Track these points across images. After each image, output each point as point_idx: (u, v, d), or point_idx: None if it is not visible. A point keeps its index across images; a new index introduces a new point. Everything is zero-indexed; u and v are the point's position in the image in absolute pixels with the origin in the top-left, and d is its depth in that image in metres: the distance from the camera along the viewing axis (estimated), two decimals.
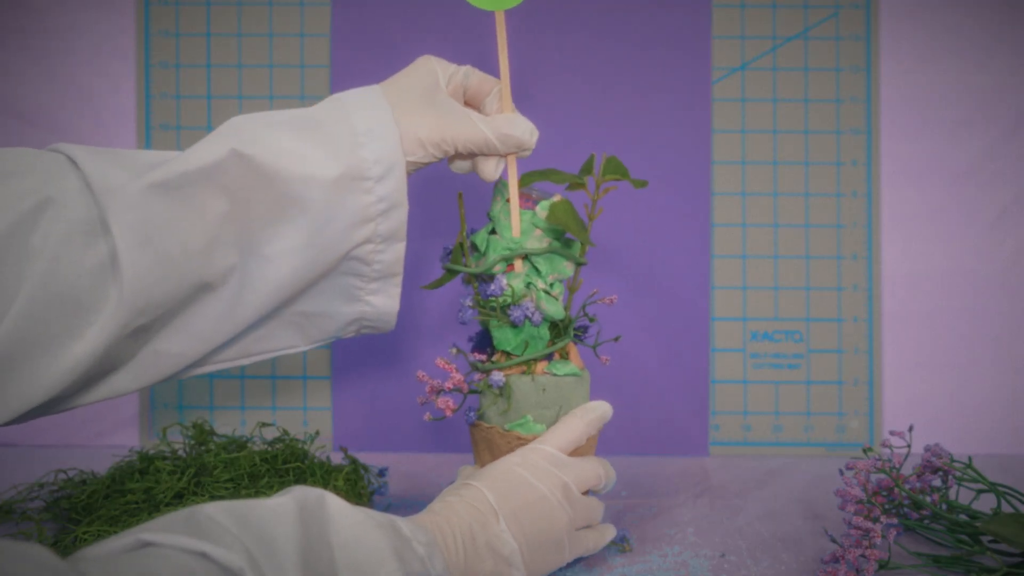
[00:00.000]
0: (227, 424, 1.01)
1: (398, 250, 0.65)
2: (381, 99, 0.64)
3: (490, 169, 0.68)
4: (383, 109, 0.63)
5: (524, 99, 0.69)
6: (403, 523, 0.54)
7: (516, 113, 0.67)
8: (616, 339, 0.73)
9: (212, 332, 0.61)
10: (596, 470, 0.66)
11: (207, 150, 0.59)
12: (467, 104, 0.68)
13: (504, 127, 0.65)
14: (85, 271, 0.56)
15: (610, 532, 0.68)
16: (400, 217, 0.63)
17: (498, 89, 0.67)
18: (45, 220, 0.55)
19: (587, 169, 0.70)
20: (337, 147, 0.61)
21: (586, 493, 0.66)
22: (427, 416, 0.69)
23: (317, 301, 0.65)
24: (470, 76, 0.67)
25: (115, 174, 0.57)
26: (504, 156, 0.68)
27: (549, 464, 0.64)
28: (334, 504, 0.51)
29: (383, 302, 0.66)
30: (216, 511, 0.45)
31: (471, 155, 0.67)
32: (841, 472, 0.69)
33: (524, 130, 0.66)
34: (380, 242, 0.64)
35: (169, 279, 0.57)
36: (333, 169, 0.61)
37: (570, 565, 0.65)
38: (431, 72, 0.66)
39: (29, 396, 0.56)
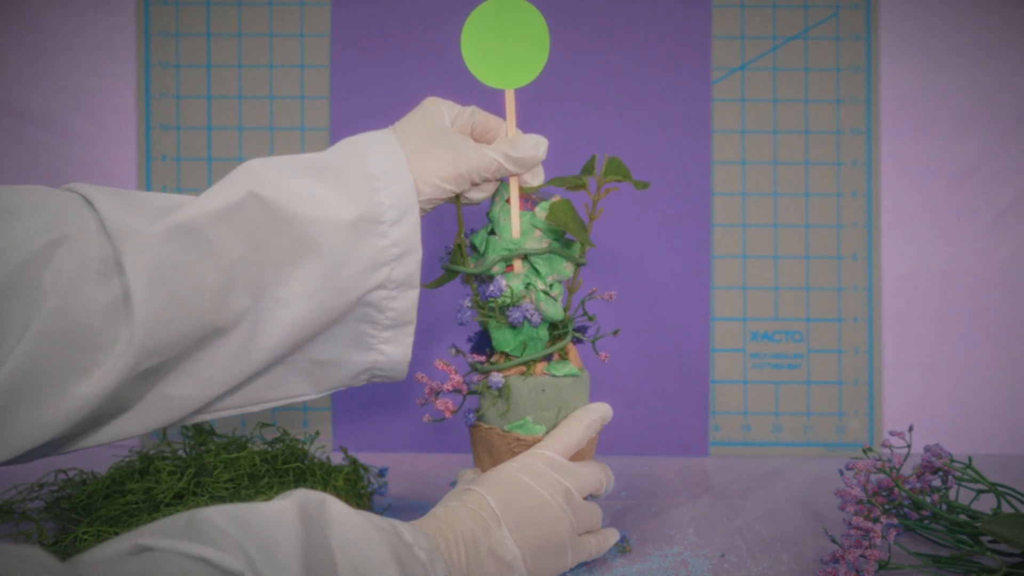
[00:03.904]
0: (227, 424, 1.01)
1: (411, 297, 0.65)
2: (394, 143, 0.64)
3: (478, 195, 0.68)
4: (397, 153, 0.64)
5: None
6: (405, 528, 0.54)
7: (519, 132, 0.68)
8: (615, 333, 0.73)
9: (222, 376, 0.61)
10: (597, 475, 0.66)
11: (224, 193, 0.59)
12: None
13: (509, 149, 0.66)
14: (97, 309, 0.55)
15: (613, 536, 0.67)
16: (414, 263, 0.64)
17: (503, 128, 0.69)
18: (58, 257, 0.55)
19: (588, 169, 0.70)
20: (353, 191, 0.62)
21: (586, 498, 0.66)
22: (426, 417, 0.69)
23: (329, 349, 0.65)
24: (476, 115, 0.68)
25: (131, 216, 0.57)
26: (519, 176, 0.68)
27: (551, 469, 0.64)
28: (335, 508, 0.51)
29: (395, 351, 0.66)
30: (216, 515, 0.45)
31: (485, 182, 0.68)
32: (841, 472, 0.69)
33: (530, 146, 0.67)
34: (394, 288, 0.64)
35: (181, 321, 0.57)
36: (349, 212, 0.61)
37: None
38: (438, 112, 0.67)
39: (33, 434, 0.55)
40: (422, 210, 0.65)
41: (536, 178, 0.69)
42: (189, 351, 0.59)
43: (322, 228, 0.61)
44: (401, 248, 0.63)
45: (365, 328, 0.65)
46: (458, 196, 0.68)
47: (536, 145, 0.67)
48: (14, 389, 0.54)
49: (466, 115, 0.67)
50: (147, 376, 0.58)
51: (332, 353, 0.66)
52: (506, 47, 0.68)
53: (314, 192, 0.61)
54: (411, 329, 0.66)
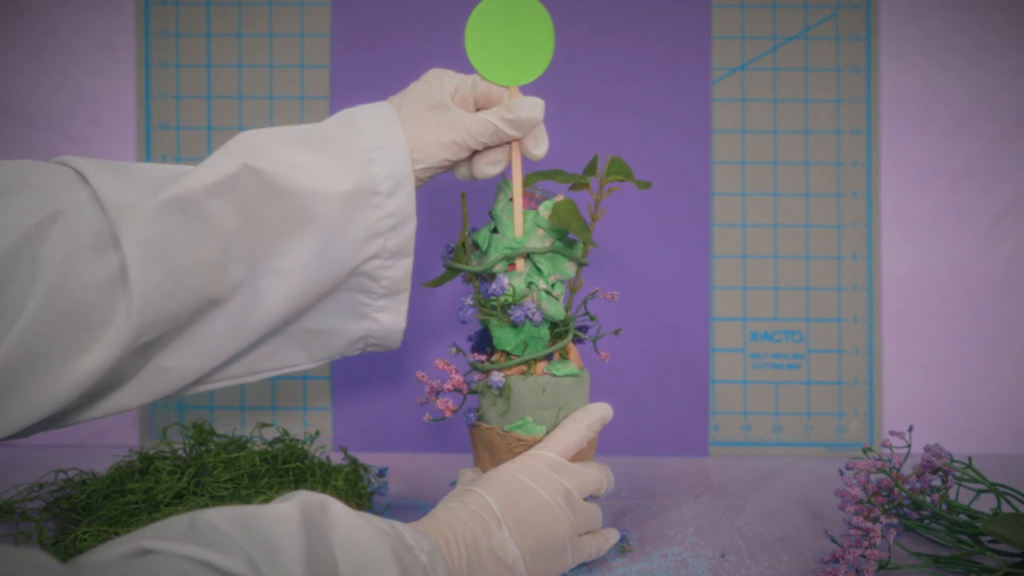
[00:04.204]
0: (227, 424, 1.01)
1: (405, 266, 0.65)
2: (391, 114, 0.64)
3: (490, 169, 0.67)
4: (393, 124, 0.64)
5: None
6: (406, 529, 0.54)
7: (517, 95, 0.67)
8: (616, 332, 0.73)
9: (219, 347, 0.61)
10: (597, 476, 0.66)
11: (219, 165, 0.59)
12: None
13: (506, 112, 0.65)
14: (93, 285, 0.55)
15: (613, 537, 0.68)
16: (408, 232, 0.64)
17: (506, 97, 0.68)
18: (54, 234, 0.55)
19: (591, 169, 0.70)
20: (348, 162, 0.62)
21: (586, 498, 0.66)
22: (426, 417, 0.69)
23: (324, 318, 0.65)
24: (478, 85, 0.67)
25: (126, 189, 0.57)
26: (519, 139, 0.67)
27: (551, 470, 0.64)
28: (337, 510, 0.51)
29: (390, 319, 0.66)
30: (218, 518, 0.45)
31: (486, 148, 0.67)
32: (841, 472, 0.69)
33: (526, 107, 0.65)
34: (388, 257, 0.64)
35: (179, 294, 0.57)
36: (344, 184, 0.61)
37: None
38: (438, 82, 0.66)
39: (33, 411, 0.56)
40: (420, 180, 0.65)
41: (539, 147, 0.67)
42: (186, 324, 0.60)
43: (317, 200, 0.61)
44: (396, 219, 0.63)
45: (360, 297, 0.65)
46: (463, 193, 0.67)
47: (533, 105, 0.66)
48: (13, 367, 0.54)
49: (468, 84, 0.67)
50: (145, 350, 0.58)
51: (327, 322, 0.66)
52: (511, 43, 0.67)
53: (309, 164, 0.61)
54: (405, 296, 0.66)
